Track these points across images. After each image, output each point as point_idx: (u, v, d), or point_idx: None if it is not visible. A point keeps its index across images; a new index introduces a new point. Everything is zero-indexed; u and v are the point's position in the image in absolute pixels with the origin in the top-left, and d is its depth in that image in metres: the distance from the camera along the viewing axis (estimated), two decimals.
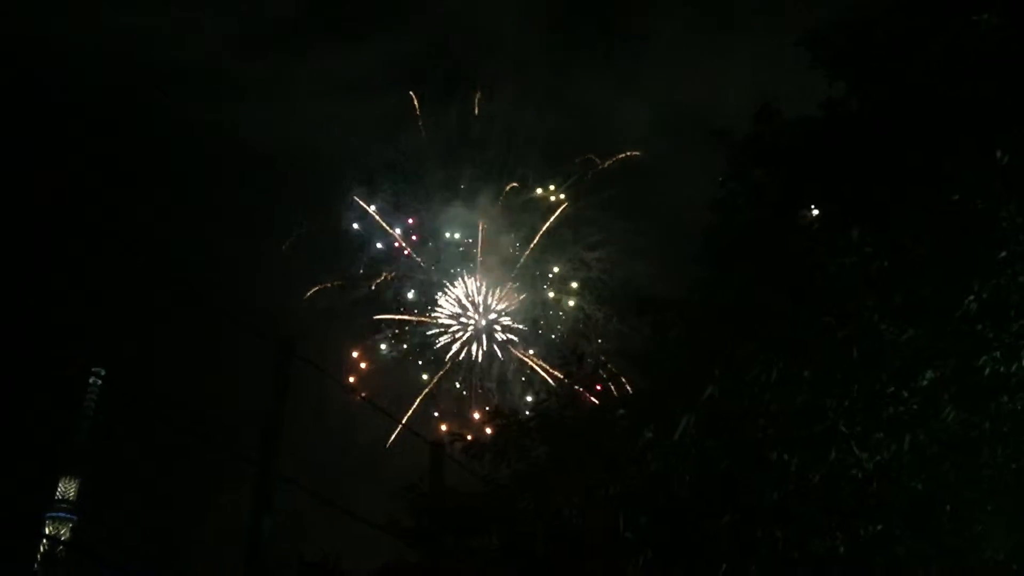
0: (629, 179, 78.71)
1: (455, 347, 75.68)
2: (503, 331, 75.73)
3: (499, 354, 75.22)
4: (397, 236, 75.56)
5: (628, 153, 76.93)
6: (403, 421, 67.17)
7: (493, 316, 76.04)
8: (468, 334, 76.02)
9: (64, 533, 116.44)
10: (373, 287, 74.96)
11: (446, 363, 75.11)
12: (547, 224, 76.25)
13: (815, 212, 13.93)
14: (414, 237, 76.39)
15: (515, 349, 74.88)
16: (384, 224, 75.27)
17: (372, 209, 75.01)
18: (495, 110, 78.46)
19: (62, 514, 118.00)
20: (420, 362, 75.63)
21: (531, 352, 74.48)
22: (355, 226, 75.16)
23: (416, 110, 77.58)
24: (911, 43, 13.57)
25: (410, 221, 76.40)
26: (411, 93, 78.22)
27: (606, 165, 76.78)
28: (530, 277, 76.75)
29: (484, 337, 75.89)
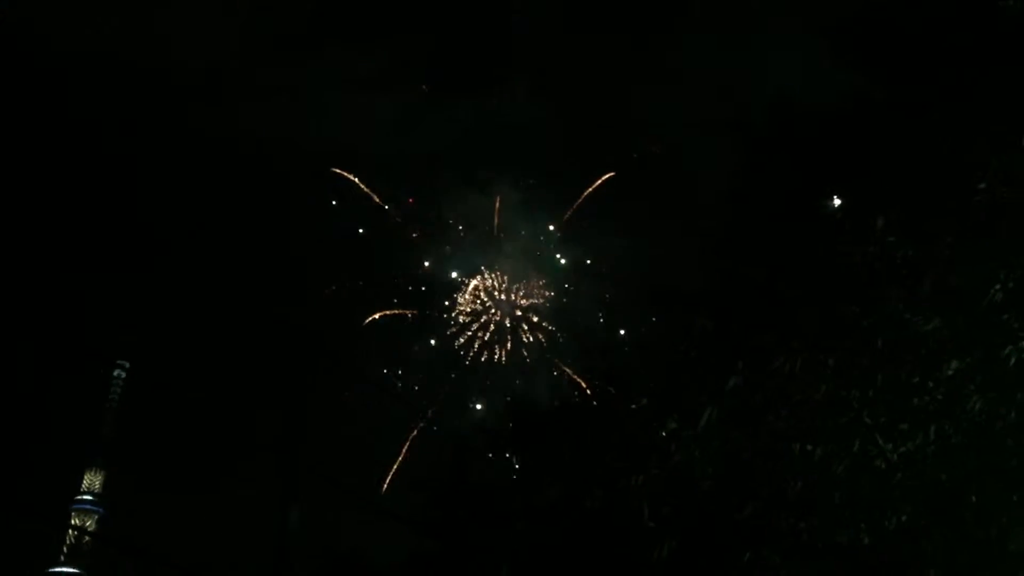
0: (652, 170, 78.24)
1: (476, 344, 75.49)
2: (529, 330, 75.33)
3: (524, 352, 74.97)
4: (389, 210, 74.58)
5: (652, 147, 76.06)
6: (428, 413, 67.34)
7: (518, 314, 75.70)
8: (491, 330, 75.76)
9: (90, 525, 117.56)
10: (397, 280, 74.69)
11: (470, 356, 74.96)
12: (568, 212, 75.89)
13: (837, 202, 13.86)
14: (406, 228, 75.66)
15: (538, 334, 74.51)
16: (371, 193, 74.23)
17: (355, 179, 74.07)
18: (514, 104, 78.04)
19: (88, 506, 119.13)
20: (429, 345, 75.00)
21: (556, 333, 73.95)
22: (334, 203, 74.31)
23: (430, 101, 77.13)
24: (936, 31, 13.46)
25: (410, 200, 75.79)
26: (424, 87, 77.57)
27: (630, 158, 76.12)
28: (551, 267, 76.39)
29: (507, 332, 75.64)
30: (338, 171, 73.65)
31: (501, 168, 76.45)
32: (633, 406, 13.40)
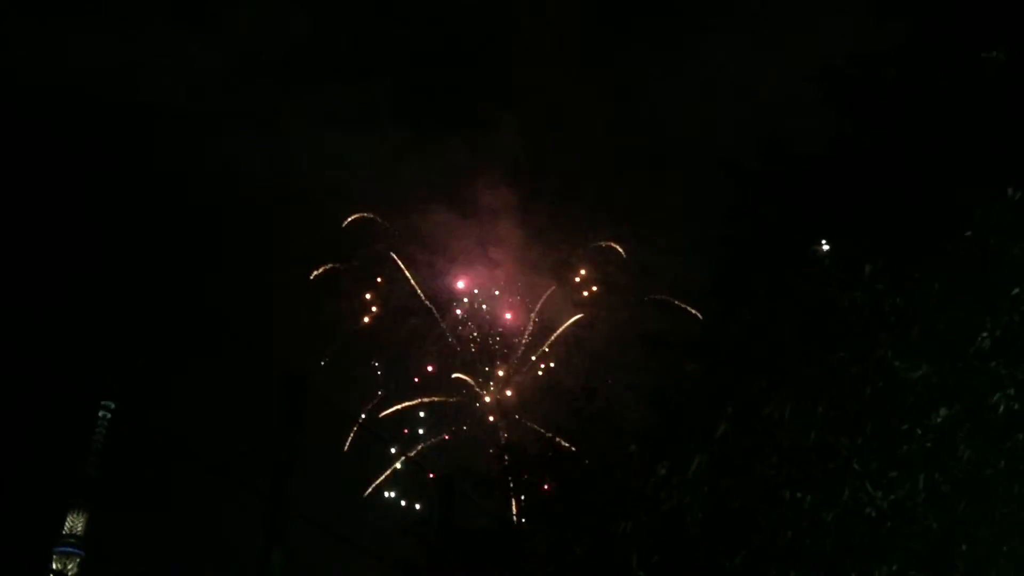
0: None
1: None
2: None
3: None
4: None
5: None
6: (412, 455, 66.79)
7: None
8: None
9: (71, 568, 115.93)
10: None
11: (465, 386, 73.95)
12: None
13: (826, 247, 13.92)
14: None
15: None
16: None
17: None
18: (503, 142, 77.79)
19: (69, 549, 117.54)
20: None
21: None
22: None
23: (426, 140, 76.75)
24: (922, 79, 13.62)
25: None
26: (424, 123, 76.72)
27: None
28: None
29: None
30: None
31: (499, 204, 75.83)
32: (622, 451, 13.33)
